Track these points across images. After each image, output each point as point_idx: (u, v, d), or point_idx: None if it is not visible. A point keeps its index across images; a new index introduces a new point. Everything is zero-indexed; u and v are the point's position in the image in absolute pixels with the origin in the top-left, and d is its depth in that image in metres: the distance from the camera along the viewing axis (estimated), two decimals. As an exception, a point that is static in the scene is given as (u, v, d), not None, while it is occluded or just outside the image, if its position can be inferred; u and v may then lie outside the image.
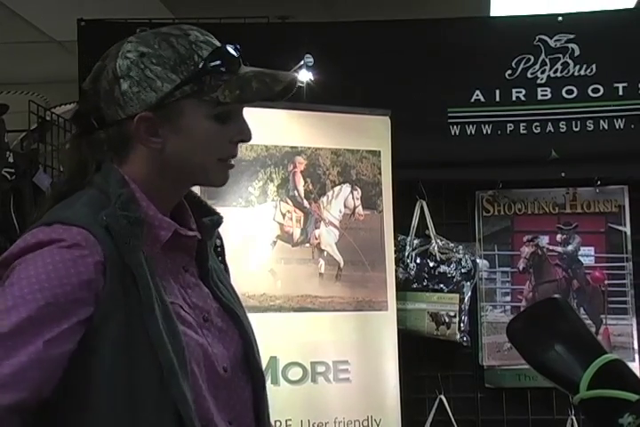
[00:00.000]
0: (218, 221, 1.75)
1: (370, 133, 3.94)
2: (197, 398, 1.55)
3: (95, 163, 1.64)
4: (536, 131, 4.30)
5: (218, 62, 1.60)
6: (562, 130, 4.30)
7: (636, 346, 4.30)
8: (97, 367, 1.52)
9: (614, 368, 1.52)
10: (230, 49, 1.63)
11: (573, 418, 4.29)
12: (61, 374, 1.48)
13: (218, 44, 1.64)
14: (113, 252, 1.54)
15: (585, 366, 1.50)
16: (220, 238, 1.83)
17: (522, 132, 4.32)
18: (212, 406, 1.59)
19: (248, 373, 1.71)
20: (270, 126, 3.65)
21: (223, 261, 1.83)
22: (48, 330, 1.46)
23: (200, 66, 1.59)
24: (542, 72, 4.32)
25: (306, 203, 3.80)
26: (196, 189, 1.79)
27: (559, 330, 1.58)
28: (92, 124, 1.64)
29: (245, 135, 1.67)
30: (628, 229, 4.41)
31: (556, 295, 1.77)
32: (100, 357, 1.52)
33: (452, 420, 4.32)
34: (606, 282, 4.37)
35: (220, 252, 1.83)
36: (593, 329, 4.33)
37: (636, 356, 4.31)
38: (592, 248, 4.43)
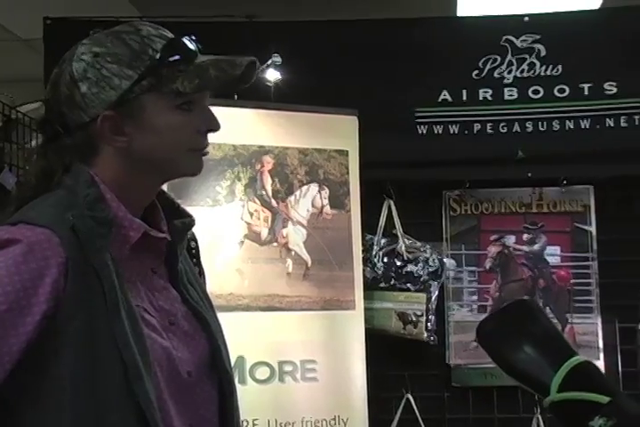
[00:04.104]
0: (189, 223, 1.73)
1: (337, 133, 3.94)
2: (158, 400, 1.53)
3: (63, 167, 1.62)
4: (503, 131, 4.31)
5: (173, 54, 1.59)
6: (528, 130, 4.31)
7: (600, 345, 4.32)
8: (60, 368, 1.50)
9: (584, 370, 1.51)
10: (184, 39, 1.61)
11: (539, 417, 4.30)
12: (8, 371, 1.47)
13: (171, 36, 1.62)
14: (77, 252, 1.52)
15: (555, 369, 1.49)
16: (195, 240, 1.81)
17: (489, 131, 4.33)
18: (172, 409, 1.58)
19: (214, 377, 1.69)
20: (238, 126, 3.64)
21: (198, 264, 1.82)
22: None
23: (155, 59, 1.58)
24: (509, 72, 4.33)
25: (273, 202, 3.79)
26: (163, 187, 1.77)
27: (529, 332, 1.57)
28: (58, 130, 1.62)
29: (212, 124, 1.65)
30: (593, 229, 4.43)
31: (526, 297, 1.77)
32: (62, 358, 1.50)
33: (419, 419, 4.32)
34: (572, 281, 4.39)
35: (194, 254, 1.81)
36: (558, 328, 4.35)
37: (601, 355, 4.33)
38: (558, 248, 4.45)
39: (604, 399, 1.45)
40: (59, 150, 1.62)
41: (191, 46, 1.62)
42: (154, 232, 1.64)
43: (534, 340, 1.55)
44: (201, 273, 1.81)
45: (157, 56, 1.58)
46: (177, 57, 1.59)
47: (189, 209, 1.78)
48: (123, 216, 1.59)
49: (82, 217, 1.54)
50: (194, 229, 1.79)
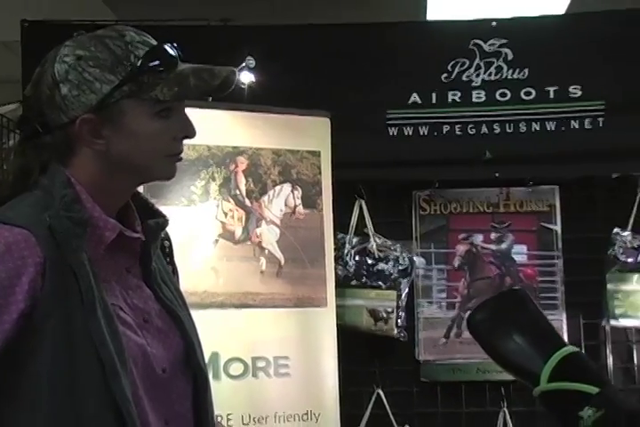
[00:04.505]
0: (163, 223, 1.73)
1: (310, 134, 3.93)
2: (133, 397, 1.53)
3: (40, 166, 1.61)
4: (471, 132, 4.32)
5: (154, 61, 1.58)
6: (495, 131, 4.32)
7: (565, 340, 4.33)
8: (37, 366, 1.51)
9: (575, 361, 1.51)
10: (166, 47, 1.61)
11: (505, 411, 4.32)
12: None
13: (154, 43, 1.62)
14: (54, 252, 1.52)
15: (545, 359, 1.49)
16: (169, 240, 1.81)
17: (457, 133, 4.34)
18: (147, 405, 1.58)
19: (189, 373, 1.69)
20: (212, 127, 3.63)
21: (171, 263, 1.82)
22: None
23: (137, 65, 1.57)
24: (477, 75, 4.34)
25: (247, 202, 3.78)
26: (139, 188, 1.77)
27: (519, 322, 1.56)
28: (37, 129, 1.61)
29: (188, 131, 1.65)
30: (558, 228, 4.45)
31: (517, 287, 1.76)
32: (40, 355, 1.51)
33: (389, 413, 4.33)
34: (538, 279, 4.41)
35: (168, 253, 1.81)
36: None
37: (566, 350, 4.34)
38: (524, 246, 4.47)
39: (594, 390, 1.45)
40: (37, 148, 1.62)
41: (172, 54, 1.61)
42: (128, 232, 1.64)
43: (524, 330, 1.55)
44: (174, 272, 1.81)
45: (139, 63, 1.58)
46: (158, 64, 1.59)
47: (165, 208, 1.78)
48: (98, 217, 1.59)
49: (58, 218, 1.54)
50: (168, 229, 1.79)
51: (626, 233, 4.31)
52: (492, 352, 1.56)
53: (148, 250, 1.69)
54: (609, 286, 4.27)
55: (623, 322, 4.26)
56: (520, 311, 1.58)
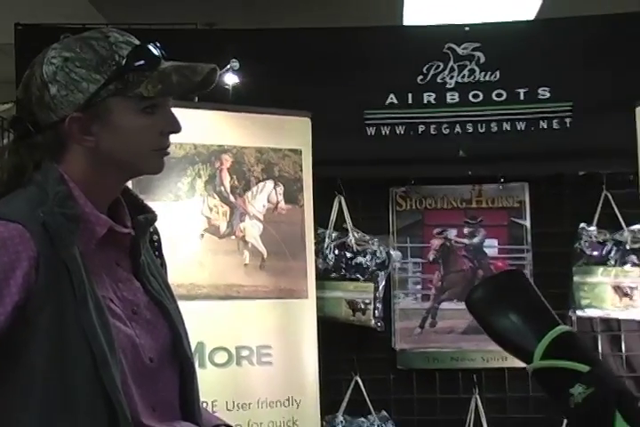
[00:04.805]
0: (152, 219, 1.73)
1: (292, 133, 3.93)
2: (122, 385, 1.53)
3: (33, 163, 1.61)
4: (445, 132, 4.34)
5: (138, 60, 1.58)
6: (468, 131, 4.33)
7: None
8: (31, 356, 1.50)
9: (567, 340, 1.51)
10: (149, 46, 1.61)
11: (477, 397, 4.34)
12: None
13: (137, 42, 1.62)
14: (47, 247, 1.52)
15: (539, 337, 1.49)
16: (158, 234, 1.80)
17: (432, 132, 4.35)
18: (136, 393, 1.58)
19: (176, 362, 1.69)
20: (198, 126, 3.62)
21: (160, 256, 1.81)
22: None
23: (121, 65, 1.57)
24: (451, 78, 4.35)
25: (232, 198, 3.78)
26: (128, 184, 1.76)
27: (515, 301, 1.55)
28: (29, 128, 1.61)
29: (174, 126, 1.65)
30: (528, 223, 4.47)
31: (515, 268, 1.75)
32: (33, 346, 1.50)
33: (367, 399, 4.34)
34: (508, 271, 4.42)
35: (156, 247, 1.81)
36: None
37: (535, 339, 4.36)
38: (496, 240, 4.48)
39: (585, 368, 1.46)
40: (29, 147, 1.62)
41: (155, 53, 1.61)
42: (118, 227, 1.64)
43: (520, 309, 1.54)
44: (163, 265, 1.80)
45: (123, 62, 1.57)
46: (142, 63, 1.58)
47: (152, 204, 1.78)
48: (90, 212, 1.59)
49: (52, 214, 1.53)
50: (156, 223, 1.78)
51: (591, 228, 4.33)
52: (488, 329, 1.56)
53: (138, 244, 1.69)
54: (575, 279, 4.29)
55: (588, 312, 4.28)
56: (516, 291, 1.57)
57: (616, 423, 1.42)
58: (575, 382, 1.44)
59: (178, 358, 1.69)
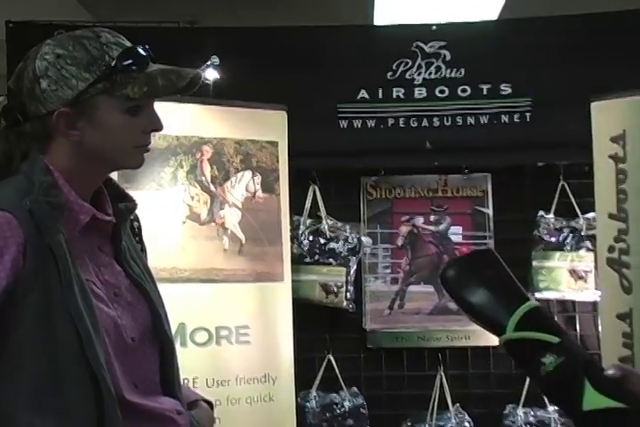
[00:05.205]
0: (132, 207, 1.73)
1: (269, 126, 3.92)
2: (106, 363, 1.54)
3: (21, 153, 1.61)
4: (413, 125, 4.33)
5: (127, 61, 1.58)
6: (435, 124, 4.33)
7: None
8: (20, 337, 1.51)
9: (537, 314, 1.52)
10: (139, 49, 1.60)
11: (442, 374, 4.36)
12: None
13: (128, 44, 1.61)
14: (34, 234, 1.52)
15: (511, 311, 1.50)
16: (138, 221, 1.81)
17: (401, 125, 4.34)
18: (118, 370, 1.58)
19: (156, 341, 1.69)
20: (181, 119, 3.62)
21: (140, 242, 1.81)
22: None
23: (111, 65, 1.57)
24: (419, 74, 4.34)
25: (212, 187, 3.77)
26: (114, 174, 1.76)
27: (488, 278, 1.55)
28: (18, 118, 1.60)
29: (156, 125, 1.65)
30: (490, 211, 4.48)
31: (487, 247, 1.76)
32: (22, 327, 1.51)
33: (339, 376, 4.34)
34: (472, 256, 4.42)
35: (137, 233, 1.81)
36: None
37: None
38: (460, 227, 4.49)
39: (555, 339, 1.47)
40: (18, 136, 1.62)
41: (144, 55, 1.60)
42: (101, 215, 1.64)
43: (492, 284, 1.54)
44: (143, 250, 1.80)
45: (113, 63, 1.57)
46: (130, 65, 1.58)
47: (137, 192, 1.79)
48: (74, 201, 1.59)
49: (38, 202, 1.54)
50: (141, 211, 1.79)
51: (549, 216, 4.35)
52: (462, 304, 1.56)
53: (119, 231, 1.69)
54: (534, 263, 4.30)
55: (546, 294, 4.31)
56: (488, 268, 1.57)
57: (585, 389, 1.43)
58: (546, 352, 1.46)
59: (158, 337, 1.69)
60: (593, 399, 1.42)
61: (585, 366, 1.47)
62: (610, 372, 1.47)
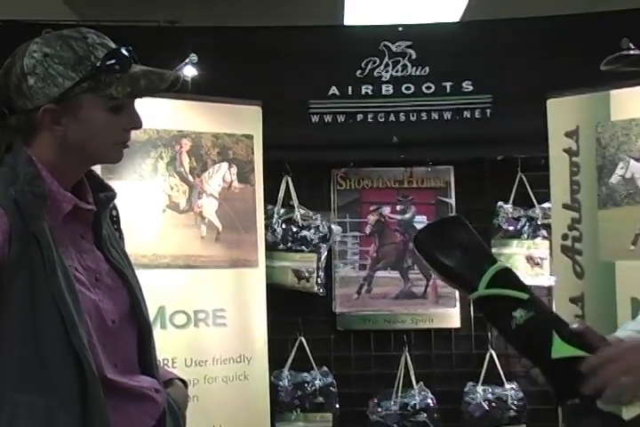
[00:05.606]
0: (112, 196, 1.73)
1: (244, 120, 3.92)
2: (88, 344, 1.54)
3: (5, 144, 1.60)
4: (381, 120, 4.34)
5: (111, 62, 1.57)
6: (401, 120, 4.34)
7: (457, 296, 4.42)
8: (5, 319, 1.50)
9: (507, 274, 1.56)
10: (123, 50, 1.60)
11: (407, 354, 4.38)
12: None
13: (112, 45, 1.60)
14: (19, 222, 1.51)
15: (483, 270, 1.53)
16: (117, 210, 1.80)
17: (369, 120, 4.35)
18: (100, 350, 1.58)
19: (135, 324, 1.69)
20: (161, 113, 3.60)
21: (118, 229, 1.81)
22: None
23: (96, 65, 1.56)
24: (386, 72, 4.35)
25: (190, 178, 3.76)
26: (97, 165, 1.76)
27: (459, 240, 1.58)
28: (4, 111, 1.59)
29: (136, 124, 1.65)
30: (453, 201, 4.51)
31: (457, 214, 1.77)
32: (7, 310, 1.50)
33: (310, 357, 4.36)
34: (435, 244, 4.44)
35: (115, 221, 1.80)
36: (424, 282, 4.44)
37: (457, 303, 4.44)
38: (424, 217, 4.51)
39: (524, 296, 1.52)
40: (2, 128, 1.61)
41: (127, 57, 1.60)
42: (82, 204, 1.64)
43: (464, 247, 1.57)
44: (121, 237, 1.80)
45: (98, 63, 1.57)
46: (114, 66, 1.57)
47: (119, 183, 1.79)
48: (56, 191, 1.58)
49: (22, 192, 1.53)
50: (122, 200, 1.79)
51: (508, 206, 4.39)
52: (435, 266, 1.58)
53: (99, 219, 1.68)
54: (493, 250, 4.31)
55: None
56: (459, 232, 1.60)
57: (553, 340, 1.48)
58: (517, 307, 1.50)
59: (136, 320, 1.69)
60: (561, 349, 1.48)
61: (552, 319, 1.53)
62: (574, 326, 1.53)
